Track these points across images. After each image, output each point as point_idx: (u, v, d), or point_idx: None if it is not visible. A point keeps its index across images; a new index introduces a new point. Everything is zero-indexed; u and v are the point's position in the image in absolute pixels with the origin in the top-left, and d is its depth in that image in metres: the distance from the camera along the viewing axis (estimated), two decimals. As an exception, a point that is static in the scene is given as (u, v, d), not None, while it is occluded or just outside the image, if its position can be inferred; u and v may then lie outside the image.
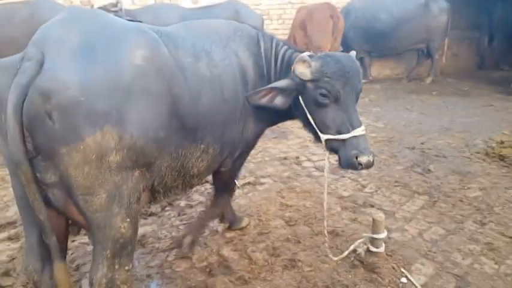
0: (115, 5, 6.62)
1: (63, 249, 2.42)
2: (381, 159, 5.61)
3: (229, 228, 3.90)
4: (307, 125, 2.92)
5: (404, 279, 3.22)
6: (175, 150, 2.41)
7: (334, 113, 2.68)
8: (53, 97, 1.89)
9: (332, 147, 2.77)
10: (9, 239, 3.81)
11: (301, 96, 2.78)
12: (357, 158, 2.64)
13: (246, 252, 3.59)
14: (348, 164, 2.69)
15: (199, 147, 2.58)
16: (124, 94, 2.03)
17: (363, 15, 9.39)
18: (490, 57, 12.04)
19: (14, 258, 3.53)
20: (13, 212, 4.21)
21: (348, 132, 2.64)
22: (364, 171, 5.21)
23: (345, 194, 4.63)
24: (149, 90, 2.11)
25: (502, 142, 5.82)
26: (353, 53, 2.93)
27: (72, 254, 3.60)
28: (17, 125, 1.90)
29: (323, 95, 2.65)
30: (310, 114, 2.77)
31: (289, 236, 3.79)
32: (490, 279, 3.21)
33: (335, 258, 3.30)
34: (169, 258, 3.53)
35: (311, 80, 2.67)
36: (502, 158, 5.40)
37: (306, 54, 2.85)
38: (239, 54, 2.83)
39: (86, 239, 3.81)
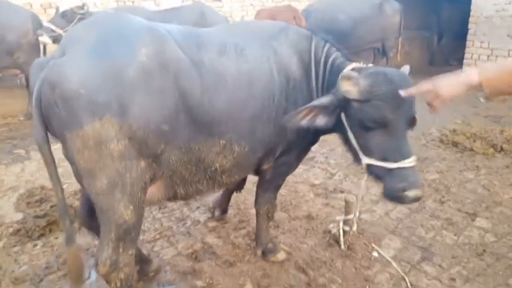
0: (81, 8, 6.64)
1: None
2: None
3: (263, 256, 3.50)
4: (347, 143, 2.71)
5: (375, 253, 3.53)
6: (187, 143, 2.44)
7: (381, 138, 2.39)
8: (57, 88, 2.09)
9: (375, 173, 2.50)
10: (-10, 239, 3.81)
11: (344, 113, 2.55)
12: (404, 191, 2.34)
13: (229, 238, 3.79)
14: (394, 196, 2.42)
15: (217, 143, 2.57)
16: (126, 88, 2.16)
17: (322, 17, 9.79)
18: (440, 54, 12.85)
19: (-3, 258, 3.56)
20: (-9, 213, 4.20)
21: (395, 161, 2.34)
22: (332, 161, 5.55)
23: (316, 182, 4.93)
24: (152, 85, 2.24)
25: (455, 130, 6.33)
26: (406, 68, 2.67)
27: (57, 249, 3.66)
28: (37, 112, 2.16)
29: (370, 119, 2.38)
30: (353, 133, 2.52)
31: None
32: (450, 249, 3.58)
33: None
34: (156, 248, 3.67)
35: (357, 100, 2.41)
36: (455, 144, 5.89)
37: (352, 67, 2.64)
38: (280, 52, 2.79)
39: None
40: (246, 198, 4.48)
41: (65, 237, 2.43)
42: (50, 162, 2.27)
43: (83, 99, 2.08)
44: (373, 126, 2.39)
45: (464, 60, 9.40)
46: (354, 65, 2.71)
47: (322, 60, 2.97)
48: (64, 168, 5.19)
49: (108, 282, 2.48)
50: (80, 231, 3.90)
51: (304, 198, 4.50)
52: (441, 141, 6.12)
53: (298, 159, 3.30)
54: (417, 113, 2.48)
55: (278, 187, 3.41)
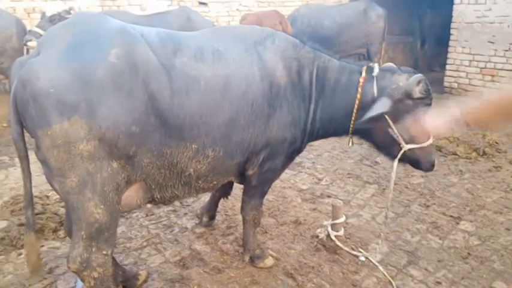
0: (68, 12, 6.57)
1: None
2: (334, 154, 6.01)
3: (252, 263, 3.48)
4: (376, 140, 3.14)
5: (362, 258, 3.56)
6: (158, 147, 2.46)
7: (419, 126, 2.84)
8: (28, 86, 2.13)
9: (410, 156, 3.00)
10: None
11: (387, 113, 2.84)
12: (434, 159, 3.12)
13: (217, 244, 3.79)
14: (430, 165, 3.13)
15: (190, 147, 2.59)
16: (95, 89, 2.18)
17: (308, 22, 9.88)
18: (423, 59, 13.05)
19: (-19, 267, 3.49)
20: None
21: (426, 141, 2.94)
22: (319, 166, 5.58)
23: (304, 187, 4.96)
24: (121, 86, 2.25)
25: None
26: (390, 65, 3.18)
27: (43, 258, 3.60)
28: (13, 109, 2.22)
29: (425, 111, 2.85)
30: (397, 128, 2.87)
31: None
32: (436, 253, 3.64)
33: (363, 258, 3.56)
34: (143, 256, 3.64)
35: (418, 98, 2.85)
36: (438, 148, 5.98)
37: (392, 66, 3.09)
38: (264, 58, 2.82)
39: (54, 243, 3.83)
40: (233, 204, 4.48)
41: (25, 225, 2.50)
42: (23, 157, 2.36)
43: (52, 98, 2.11)
44: (419, 117, 2.82)
45: (447, 66, 9.56)
46: (389, 65, 3.18)
47: (315, 67, 3.03)
48: (49, 175, 5.18)
49: (82, 280, 2.51)
50: (65, 239, 3.87)
51: (291, 204, 4.52)
52: (425, 145, 6.20)
53: (284, 166, 3.32)
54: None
55: (264, 193, 3.41)
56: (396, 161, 3.01)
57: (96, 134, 2.20)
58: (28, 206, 2.43)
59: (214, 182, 2.95)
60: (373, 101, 2.89)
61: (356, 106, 2.98)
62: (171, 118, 2.45)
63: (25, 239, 2.45)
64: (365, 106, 2.92)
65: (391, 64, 3.20)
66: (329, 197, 4.68)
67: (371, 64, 3.05)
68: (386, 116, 2.85)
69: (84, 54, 2.20)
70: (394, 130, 2.88)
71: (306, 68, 3.01)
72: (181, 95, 2.47)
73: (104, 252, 2.47)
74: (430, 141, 2.97)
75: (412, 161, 3.10)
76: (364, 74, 3.00)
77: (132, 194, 2.59)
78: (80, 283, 3.25)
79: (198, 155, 2.65)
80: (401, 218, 4.23)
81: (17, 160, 5.68)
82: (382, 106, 2.83)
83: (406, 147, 2.91)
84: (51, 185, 2.52)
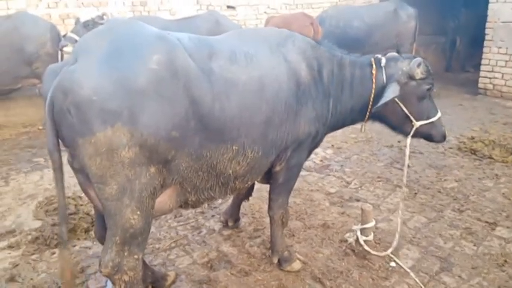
0: (101, 18, 6.76)
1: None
2: (363, 157, 5.91)
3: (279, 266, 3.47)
4: (389, 121, 3.42)
5: (393, 264, 3.48)
6: (198, 150, 2.49)
7: (427, 103, 3.31)
8: (69, 95, 2.16)
9: (422, 131, 3.35)
10: (10, 247, 3.86)
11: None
12: (445, 131, 3.47)
13: (244, 247, 3.78)
14: (443, 136, 3.48)
15: (230, 149, 2.65)
16: (137, 96, 2.22)
17: (337, 23, 9.77)
18: (456, 60, 12.67)
19: (17, 265, 3.60)
20: (11, 221, 4.26)
21: (436, 115, 3.34)
22: (347, 169, 5.49)
23: (332, 190, 4.89)
24: (163, 92, 2.29)
25: (473, 138, 6.22)
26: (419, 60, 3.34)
27: (75, 258, 3.69)
28: (49, 118, 2.24)
29: (428, 89, 3.24)
30: (407, 108, 3.23)
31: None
32: (470, 259, 3.51)
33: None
34: (171, 257, 3.68)
35: (420, 79, 3.18)
36: (473, 152, 5.78)
37: (395, 55, 3.36)
38: (289, 59, 2.93)
39: (86, 243, 3.92)
40: (260, 206, 4.47)
41: (59, 241, 2.55)
42: (58, 168, 2.35)
43: (95, 106, 2.14)
44: (424, 95, 3.25)
45: (482, 66, 9.24)
46: (392, 54, 3.36)
47: (332, 64, 3.21)
48: (81, 176, 5.32)
49: (113, 283, 2.55)
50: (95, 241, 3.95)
51: (319, 207, 4.47)
52: (459, 148, 6.02)
53: (306, 159, 3.44)
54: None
55: (290, 190, 3.44)
56: (409, 137, 3.37)
57: (137, 140, 2.23)
58: (62, 221, 2.44)
59: (249, 182, 3.03)
60: (384, 87, 3.19)
61: (372, 95, 3.25)
62: (212, 122, 2.49)
63: (59, 255, 2.51)
64: (378, 93, 3.22)
65: (393, 53, 3.44)
66: (358, 200, 4.59)
67: (377, 55, 3.32)
68: (397, 99, 3.18)
69: (125, 61, 2.23)
70: (405, 110, 3.23)
71: (325, 66, 3.18)
72: (222, 99, 2.51)
73: (136, 256, 2.50)
74: (439, 114, 3.36)
75: (425, 135, 3.45)
76: (374, 65, 3.26)
77: (165, 199, 2.61)
78: (109, 283, 3.32)
79: (238, 156, 2.70)
80: (434, 224, 4.10)
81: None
82: (392, 91, 3.11)
83: (417, 124, 3.28)
84: (86, 193, 2.56)
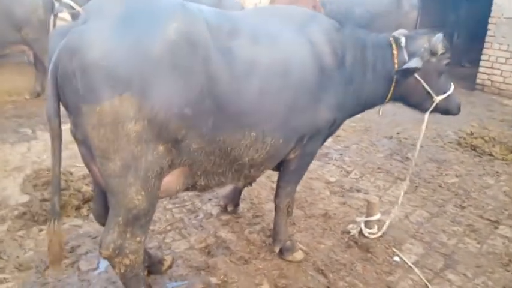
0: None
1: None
2: (362, 147, 5.79)
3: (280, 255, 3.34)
4: (409, 99, 3.30)
5: (397, 258, 3.39)
6: (211, 133, 2.31)
7: (444, 78, 3.26)
8: (76, 56, 1.96)
9: (440, 106, 3.29)
10: (-6, 221, 3.65)
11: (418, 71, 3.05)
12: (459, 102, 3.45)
13: (243, 233, 3.64)
14: (459, 109, 3.45)
15: (248, 136, 2.46)
16: (151, 65, 2.03)
17: (338, 9, 9.55)
18: (453, 54, 12.61)
19: (1, 241, 3.40)
20: (-6, 193, 4.03)
21: (451, 88, 3.30)
22: (347, 158, 5.37)
23: (332, 179, 4.76)
24: (179, 64, 2.10)
25: (472, 133, 6.15)
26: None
27: (65, 236, 3.50)
28: (52, 81, 2.04)
29: (447, 64, 3.18)
30: (428, 84, 3.15)
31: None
32: (474, 257, 3.44)
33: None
34: (167, 240, 3.51)
35: (441, 54, 3.10)
36: (473, 148, 5.72)
37: (411, 33, 3.26)
38: (314, 40, 2.73)
39: (76, 221, 3.72)
40: (259, 192, 4.33)
41: (48, 216, 2.38)
42: (56, 136, 2.15)
43: (103, 71, 1.96)
44: (443, 70, 3.19)
45: (481, 62, 9.16)
46: (402, 31, 3.25)
47: (355, 48, 3.01)
48: (72, 151, 5.06)
49: (112, 266, 2.40)
50: (88, 217, 3.76)
51: (319, 196, 4.34)
52: (459, 143, 5.95)
53: (320, 147, 3.30)
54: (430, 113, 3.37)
55: (300, 179, 3.31)
56: (428, 113, 3.34)
57: (146, 114, 2.04)
58: (55, 191, 2.25)
59: (264, 170, 2.87)
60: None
61: (394, 77, 3.10)
62: (228, 104, 2.30)
63: (48, 227, 2.28)
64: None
65: (402, 30, 3.30)
66: (358, 191, 4.49)
67: (394, 35, 3.17)
68: (418, 76, 3.10)
69: (141, 27, 2.04)
70: (426, 87, 3.17)
71: (348, 50, 2.99)
72: (241, 81, 2.32)
73: (138, 239, 2.35)
74: (453, 87, 3.33)
75: (444, 110, 3.40)
76: (394, 46, 3.11)
77: (173, 179, 2.44)
78: (102, 264, 3.15)
79: (256, 143, 2.52)
80: (436, 219, 4.02)
81: (39, 133, 5.61)
82: (416, 62, 2.99)
83: (438, 98, 3.24)
84: (88, 168, 2.36)
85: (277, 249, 3.30)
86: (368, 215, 3.54)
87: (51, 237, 2.31)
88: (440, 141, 6.06)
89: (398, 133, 6.35)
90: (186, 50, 2.12)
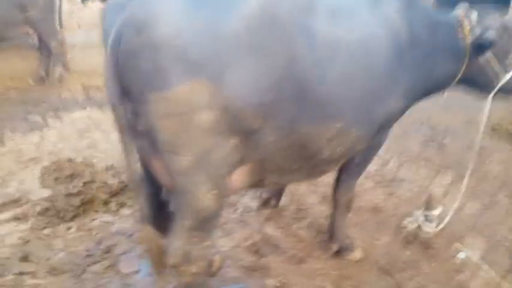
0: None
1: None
2: (395, 133, 5.47)
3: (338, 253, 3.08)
4: (476, 81, 2.84)
5: (462, 255, 3.12)
6: (290, 125, 1.99)
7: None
8: (145, 32, 1.66)
9: (504, 86, 2.84)
10: (16, 218, 3.31)
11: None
12: None
13: (291, 229, 3.36)
14: None
15: (332, 127, 2.12)
16: (228, 44, 1.73)
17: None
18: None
19: (28, 241, 3.06)
20: (14, 187, 3.67)
21: None
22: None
23: (371, 168, 4.45)
24: (259, 45, 1.79)
25: (505, 119, 5.88)
26: None
27: (96, 234, 3.18)
28: (113, 63, 1.75)
29: None
30: (498, 63, 2.75)
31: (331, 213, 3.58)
32: (542, 252, 3.19)
33: None
34: (210, 238, 3.21)
35: None
36: (510, 133, 5.47)
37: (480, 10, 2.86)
38: (390, 18, 2.37)
39: (106, 217, 3.40)
40: (298, 184, 4.02)
41: (139, 215, 2.04)
42: (125, 128, 1.86)
43: (177, 51, 1.65)
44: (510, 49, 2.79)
45: None
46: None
47: (428, 27, 2.62)
48: (89, 140, 4.71)
49: (177, 274, 2.11)
50: (118, 213, 3.45)
51: (362, 187, 4.04)
52: (493, 129, 5.67)
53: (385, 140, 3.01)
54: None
55: (362, 172, 3.04)
56: (491, 96, 2.92)
57: (221, 101, 1.74)
58: (139, 192, 1.96)
59: (339, 166, 2.52)
60: (480, 46, 2.72)
61: (466, 58, 2.73)
62: (311, 90, 1.96)
63: (142, 234, 2.02)
64: (473, 54, 2.74)
65: (465, 4, 2.88)
66: (402, 181, 4.20)
67: (464, 11, 2.78)
68: (491, 55, 2.74)
69: (219, 2, 1.76)
70: (497, 66, 2.80)
71: (421, 30, 2.59)
72: (324, 63, 1.97)
73: (206, 243, 2.07)
74: None
75: (508, 90, 2.95)
76: (465, 23, 2.73)
77: (238, 177, 2.10)
78: (144, 266, 2.84)
79: (340, 136, 2.17)
80: (490, 211, 3.75)
81: (50, 121, 5.22)
82: (493, 34, 2.65)
83: (507, 77, 2.80)
84: (148, 164, 2.04)
85: (335, 248, 3.02)
86: (428, 208, 3.26)
87: (150, 244, 2.04)
88: (473, 127, 5.79)
89: (428, 119, 6.06)
90: (267, 29, 1.80)
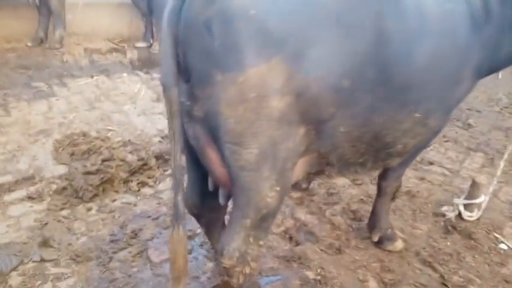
0: None
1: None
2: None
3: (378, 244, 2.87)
4: None
5: (503, 246, 2.99)
6: (367, 113, 1.75)
7: None
8: (217, 1, 1.41)
9: None
10: (30, 198, 3.09)
11: None
12: None
13: (324, 215, 3.18)
14: None
15: (411, 116, 1.88)
16: (314, 16, 1.48)
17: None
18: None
19: (46, 223, 2.86)
20: (26, 163, 3.41)
21: None
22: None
23: (398, 149, 4.29)
24: (345, 19, 1.54)
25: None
26: None
27: (119, 217, 2.98)
28: (171, 36, 1.50)
29: None
30: None
31: (363, 197, 3.41)
32: None
33: None
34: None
35: None
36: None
37: None
38: None
39: (128, 197, 3.19)
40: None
41: (173, 217, 1.76)
42: (176, 115, 1.60)
43: (255, 24, 1.42)
44: None
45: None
46: None
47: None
48: (101, 110, 4.43)
49: (229, 276, 1.93)
50: (140, 193, 3.23)
51: (392, 169, 3.88)
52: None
53: None
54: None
55: (412, 161, 2.83)
56: None
57: (296, 86, 1.51)
58: (178, 188, 1.70)
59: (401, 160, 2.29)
60: None
61: None
62: (396, 72, 1.70)
63: (172, 235, 1.75)
64: None
65: None
66: (432, 164, 4.03)
67: None
68: None
69: None
70: None
71: (494, 4, 2.26)
72: (412, 40, 1.71)
73: (261, 242, 1.87)
74: None
75: None
76: None
77: (294, 171, 1.89)
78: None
79: (417, 126, 1.93)
80: (524, 197, 3.63)
81: (56, 89, 4.91)
82: None
83: None
84: (202, 154, 1.80)
85: (376, 238, 2.85)
86: (471, 196, 3.11)
87: (176, 247, 1.78)
88: (496, 106, 5.61)
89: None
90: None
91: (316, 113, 1.63)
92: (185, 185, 2.11)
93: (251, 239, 1.82)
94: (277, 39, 1.44)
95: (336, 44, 1.54)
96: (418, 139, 2.03)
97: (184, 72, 1.56)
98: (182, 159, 1.74)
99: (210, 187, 2.04)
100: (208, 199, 2.14)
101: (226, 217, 2.44)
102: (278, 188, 1.72)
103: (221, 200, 2.04)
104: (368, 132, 1.82)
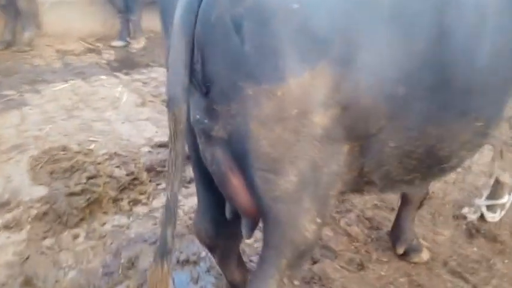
0: None
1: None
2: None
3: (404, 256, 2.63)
4: None
5: (531, 249, 2.79)
6: (421, 124, 1.46)
7: None
8: None
9: None
10: (6, 227, 2.71)
11: None
12: None
13: (340, 226, 2.91)
14: None
15: (471, 125, 1.58)
16: (366, 13, 1.21)
17: None
18: None
19: (27, 258, 2.49)
20: (0, 187, 3.02)
21: None
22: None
23: (403, 145, 4.07)
24: (402, 13, 1.26)
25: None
26: None
27: (111, 243, 2.64)
28: (185, 38, 1.22)
29: None
30: None
31: (377, 202, 3.17)
32: None
33: None
34: (248, 241, 2.72)
35: None
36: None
37: None
38: None
39: (119, 219, 2.85)
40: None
41: (157, 249, 1.49)
42: (181, 134, 1.32)
43: (297, 23, 1.14)
44: None
45: None
46: None
47: None
48: (82, 120, 4.04)
49: None
50: (132, 213, 2.90)
51: (401, 168, 3.65)
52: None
53: None
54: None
55: None
56: None
57: (343, 96, 1.23)
58: (170, 220, 1.43)
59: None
60: None
61: None
62: (457, 75, 1.41)
63: (154, 270, 1.46)
64: None
65: None
66: (441, 159, 3.82)
67: None
68: None
69: None
70: None
71: None
72: (475, 35, 1.42)
73: (296, 282, 1.58)
74: None
75: None
76: None
77: None
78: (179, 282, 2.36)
79: (477, 137, 1.64)
80: (541, 191, 3.44)
81: (28, 96, 4.47)
82: None
83: None
84: (221, 182, 1.49)
85: (401, 251, 2.60)
86: (494, 196, 2.89)
87: (157, 283, 1.48)
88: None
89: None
90: None
91: (364, 127, 1.34)
92: (197, 209, 1.82)
93: (286, 280, 1.53)
94: (323, 41, 1.15)
95: (391, 44, 1.25)
96: (474, 152, 1.76)
97: (202, 83, 1.26)
98: (179, 186, 1.43)
99: (228, 216, 1.73)
100: (223, 228, 1.84)
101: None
102: (319, 220, 1.43)
103: (244, 232, 1.73)
104: (421, 146, 1.52)
